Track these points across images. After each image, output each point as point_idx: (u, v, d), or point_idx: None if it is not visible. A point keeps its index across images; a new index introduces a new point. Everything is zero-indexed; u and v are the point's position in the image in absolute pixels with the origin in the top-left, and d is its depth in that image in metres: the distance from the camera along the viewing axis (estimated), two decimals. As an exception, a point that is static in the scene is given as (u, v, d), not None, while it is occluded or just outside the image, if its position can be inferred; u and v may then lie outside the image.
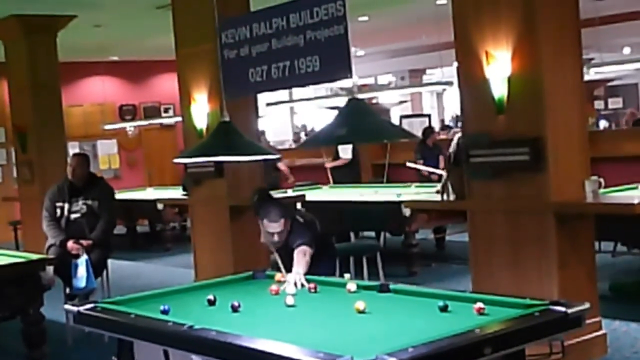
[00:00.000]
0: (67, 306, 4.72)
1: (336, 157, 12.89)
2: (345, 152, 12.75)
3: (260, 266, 6.22)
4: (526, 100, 5.80)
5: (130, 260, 12.18)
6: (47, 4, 10.79)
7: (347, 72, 4.15)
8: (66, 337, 7.35)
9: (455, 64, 6.36)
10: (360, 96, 4.43)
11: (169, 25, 9.23)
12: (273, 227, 5.57)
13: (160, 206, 12.49)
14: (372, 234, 11.00)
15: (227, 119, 4.70)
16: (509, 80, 5.85)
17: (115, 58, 17.04)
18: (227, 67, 4.98)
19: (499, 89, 5.89)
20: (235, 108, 5.13)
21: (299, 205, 10.13)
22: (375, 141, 4.34)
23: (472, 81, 6.11)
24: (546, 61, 5.75)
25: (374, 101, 18.06)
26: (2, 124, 16.09)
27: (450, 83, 12.75)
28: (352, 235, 9.42)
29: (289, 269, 5.25)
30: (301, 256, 5.37)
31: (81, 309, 4.53)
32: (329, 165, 12.94)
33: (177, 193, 12.65)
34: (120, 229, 12.39)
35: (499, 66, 5.87)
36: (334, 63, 4.26)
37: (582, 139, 5.99)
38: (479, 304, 3.92)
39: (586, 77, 7.14)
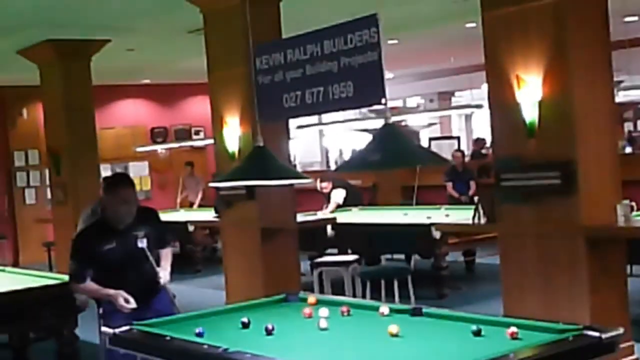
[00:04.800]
0: (103, 329, 4.76)
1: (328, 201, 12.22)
2: (338, 196, 12.33)
3: (291, 289, 6.25)
4: (557, 124, 5.83)
5: (162, 281, 12.23)
6: (82, 29, 10.95)
7: (380, 98, 4.19)
8: (99, 357, 7.41)
9: (485, 86, 6.41)
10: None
11: (200, 48, 9.33)
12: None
13: (191, 228, 12.58)
14: (402, 256, 11.01)
15: (261, 143, 4.76)
16: (540, 104, 5.88)
17: (147, 81, 17.23)
18: (262, 93, 5.04)
19: (530, 113, 5.93)
20: (267, 131, 5.18)
21: (329, 229, 10.18)
22: (408, 166, 4.40)
23: (503, 105, 6.14)
24: (577, 85, 5.78)
25: (402, 124, 18.09)
26: (36, 146, 16.32)
27: (480, 106, 12.78)
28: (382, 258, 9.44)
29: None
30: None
31: (117, 331, 4.57)
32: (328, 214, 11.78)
33: (208, 215, 12.74)
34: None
35: (530, 90, 5.91)
36: (368, 89, 4.31)
37: (613, 162, 6.00)
38: (513, 329, 3.92)
39: (616, 100, 7.14)
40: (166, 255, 5.64)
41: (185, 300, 10.52)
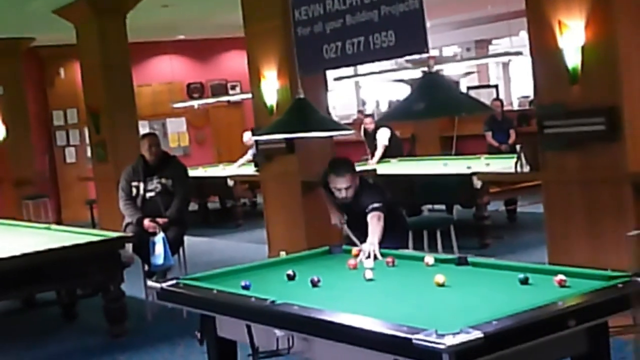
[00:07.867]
0: (150, 283, 4.80)
1: (372, 149, 12.31)
2: (384, 137, 12.33)
3: (333, 241, 6.24)
4: (601, 70, 5.72)
5: (203, 236, 12.36)
6: (116, -14, 10.94)
7: (422, 47, 4.14)
8: (146, 312, 7.52)
9: (523, 33, 6.30)
10: (425, 69, 4.43)
11: (235, 2, 9.27)
12: (340, 182, 5.60)
13: (230, 183, 12.64)
14: (443, 206, 10.97)
15: (302, 95, 4.74)
16: (583, 49, 5.77)
17: (182, 37, 17.19)
18: (301, 44, 5.01)
19: (573, 59, 5.81)
20: (305, 84, 5.14)
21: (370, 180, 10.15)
22: (454, 115, 4.28)
23: (544, 51, 6.04)
24: (621, 29, 5.66)
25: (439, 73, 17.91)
26: (74, 105, 16.43)
27: (519, 53, 12.57)
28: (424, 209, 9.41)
29: (362, 241, 5.27)
30: (375, 222, 5.37)
31: (164, 285, 4.61)
32: (375, 164, 11.88)
33: (247, 169, 12.78)
34: (191, 206, 12.57)
35: (572, 35, 5.79)
36: (410, 38, 4.26)
37: (659, 107, 5.88)
38: (560, 276, 3.89)
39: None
40: None
41: (227, 255, 10.67)
